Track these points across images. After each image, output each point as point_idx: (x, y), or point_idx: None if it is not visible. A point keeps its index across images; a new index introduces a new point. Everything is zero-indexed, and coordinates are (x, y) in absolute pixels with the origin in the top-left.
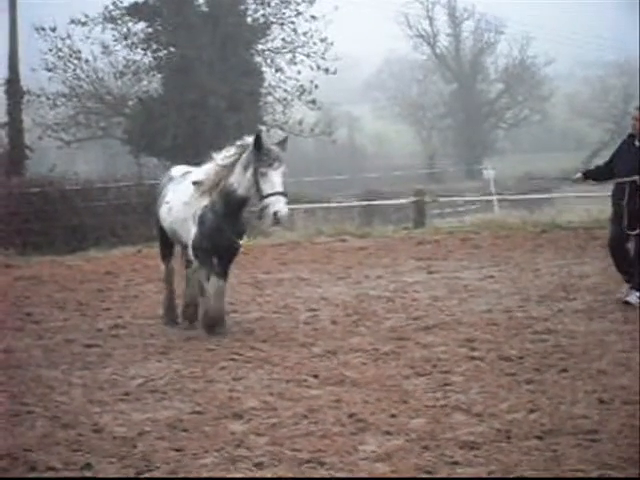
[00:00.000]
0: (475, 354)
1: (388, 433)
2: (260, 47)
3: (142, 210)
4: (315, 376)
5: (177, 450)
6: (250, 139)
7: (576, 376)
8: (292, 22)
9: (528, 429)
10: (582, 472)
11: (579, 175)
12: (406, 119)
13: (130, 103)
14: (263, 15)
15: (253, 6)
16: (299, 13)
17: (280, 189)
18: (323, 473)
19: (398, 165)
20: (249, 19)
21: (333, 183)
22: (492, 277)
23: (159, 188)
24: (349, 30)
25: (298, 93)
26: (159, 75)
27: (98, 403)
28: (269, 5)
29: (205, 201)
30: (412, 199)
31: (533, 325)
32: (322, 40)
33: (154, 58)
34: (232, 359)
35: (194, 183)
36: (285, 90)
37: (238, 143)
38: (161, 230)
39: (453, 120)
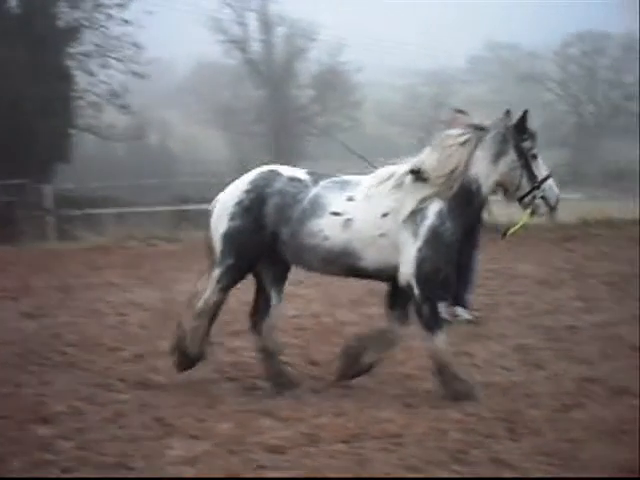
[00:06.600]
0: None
1: (195, 437)
2: (72, 51)
3: None
4: (123, 380)
5: None
6: (486, 121)
7: (383, 380)
8: (103, 26)
9: (334, 433)
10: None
11: None
12: (217, 124)
13: None
14: (74, 19)
15: (65, 9)
16: (110, 17)
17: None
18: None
19: (209, 170)
20: (60, 22)
21: (144, 188)
22: (301, 282)
23: (276, 198)
24: (162, 34)
25: (109, 97)
26: None
27: None
28: (80, 8)
29: (437, 205)
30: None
31: (341, 330)
32: (134, 44)
33: None
34: (40, 364)
35: (413, 172)
36: (96, 94)
37: (466, 126)
38: (252, 254)
39: (265, 126)
